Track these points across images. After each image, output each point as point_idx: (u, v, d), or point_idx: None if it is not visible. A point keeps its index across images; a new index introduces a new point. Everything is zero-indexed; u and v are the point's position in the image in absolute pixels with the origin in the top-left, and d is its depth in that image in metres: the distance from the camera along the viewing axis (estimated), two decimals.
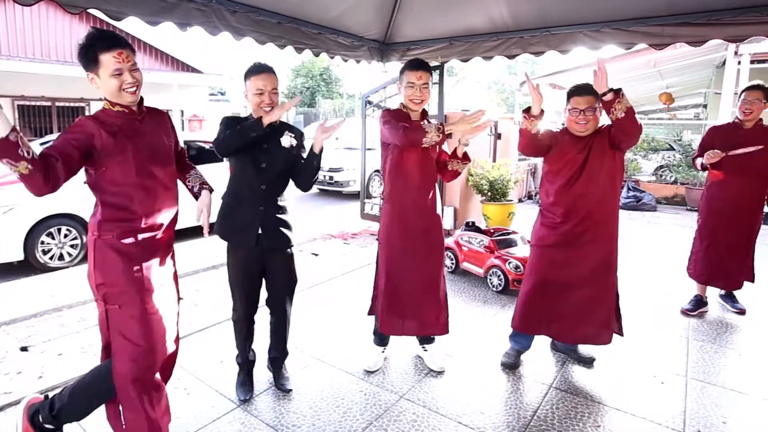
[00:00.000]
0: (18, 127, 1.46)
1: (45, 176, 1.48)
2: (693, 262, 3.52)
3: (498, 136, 7.12)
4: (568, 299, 2.55)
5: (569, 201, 2.48)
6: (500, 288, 3.90)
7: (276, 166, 2.24)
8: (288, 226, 2.34)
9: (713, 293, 3.67)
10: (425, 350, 2.79)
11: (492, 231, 4.41)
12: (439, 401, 2.40)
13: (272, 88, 2.19)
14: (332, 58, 4.58)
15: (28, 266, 4.46)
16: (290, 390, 2.47)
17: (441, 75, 5.46)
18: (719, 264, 3.38)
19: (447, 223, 5.90)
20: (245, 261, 2.30)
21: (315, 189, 10.19)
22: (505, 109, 27.41)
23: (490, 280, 3.99)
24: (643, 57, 7.74)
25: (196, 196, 2.06)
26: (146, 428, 1.75)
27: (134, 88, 1.70)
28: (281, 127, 2.29)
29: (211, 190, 2.08)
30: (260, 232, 2.24)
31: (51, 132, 10.61)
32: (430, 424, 2.22)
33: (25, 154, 1.43)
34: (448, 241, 4.53)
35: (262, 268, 2.33)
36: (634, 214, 7.97)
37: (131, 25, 3.38)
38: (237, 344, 2.45)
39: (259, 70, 2.19)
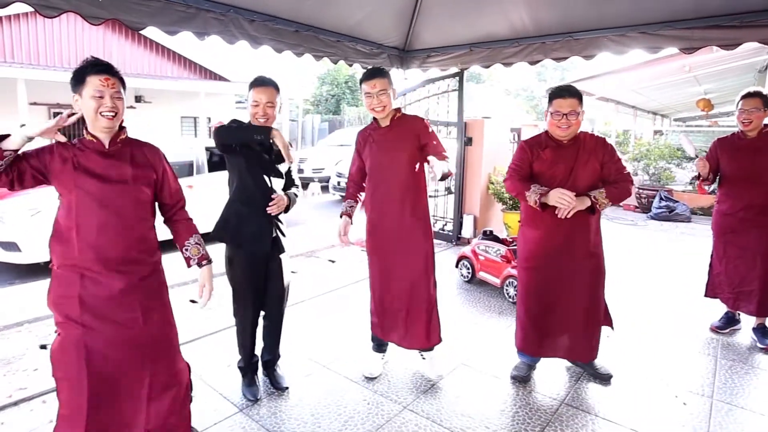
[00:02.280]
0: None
1: (10, 183, 1.63)
2: (718, 285, 3.27)
3: None
4: (560, 320, 2.49)
5: (554, 215, 2.36)
6: (517, 299, 3.79)
7: (280, 176, 2.37)
8: (285, 231, 2.46)
9: (747, 321, 3.37)
10: (423, 358, 2.75)
11: (510, 240, 4.31)
12: (443, 413, 2.33)
13: (267, 101, 2.25)
14: (351, 65, 4.60)
15: None
16: (287, 387, 2.51)
17: (461, 82, 5.41)
18: (741, 287, 3.11)
19: (466, 231, 5.81)
20: (253, 264, 2.34)
21: (337, 196, 10.25)
22: (535, 116, 26.98)
23: (507, 290, 3.89)
24: (676, 62, 7.43)
25: (189, 264, 1.90)
26: None
27: (112, 114, 1.68)
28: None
29: (210, 262, 1.93)
30: (274, 235, 2.33)
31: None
32: None
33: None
34: (465, 250, 4.46)
35: (265, 272, 2.39)
36: (666, 224, 7.65)
37: (158, 35, 3.50)
38: (241, 348, 2.47)
39: (259, 83, 2.27)
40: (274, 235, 2.37)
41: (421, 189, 2.57)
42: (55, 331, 1.73)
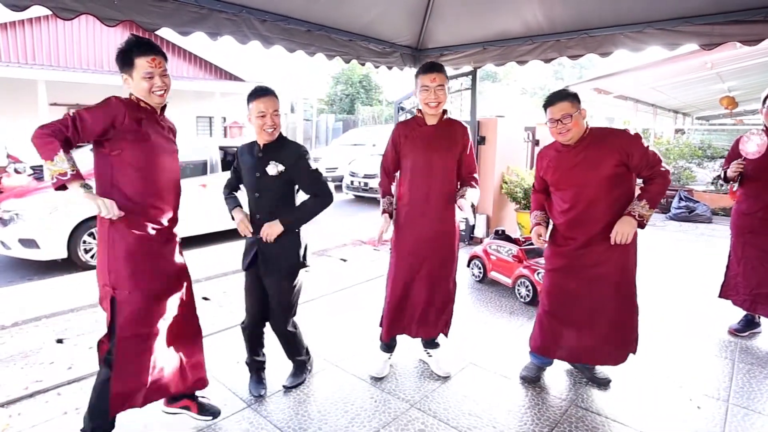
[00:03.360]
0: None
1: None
2: (733, 287, 3.20)
3: (536, 143, 6.91)
4: (581, 323, 2.42)
5: (571, 219, 2.34)
6: (528, 299, 3.75)
7: (269, 194, 2.27)
8: (287, 253, 2.32)
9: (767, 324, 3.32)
10: (430, 356, 2.74)
11: (522, 240, 4.26)
12: (450, 412, 2.32)
13: (273, 110, 2.23)
14: (363, 65, 4.60)
15: (71, 264, 4.75)
16: (288, 387, 2.51)
17: (474, 80, 5.37)
18: (759, 288, 3.02)
19: (479, 231, 5.77)
20: (249, 280, 2.43)
21: (350, 195, 10.29)
22: None
23: (518, 290, 3.85)
24: (697, 59, 7.24)
25: None
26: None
27: (162, 92, 1.86)
28: (277, 150, 2.27)
29: None
30: (258, 258, 2.32)
31: None
32: None
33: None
34: (477, 250, 4.43)
35: (262, 286, 2.41)
36: (686, 225, 7.49)
37: (173, 35, 3.56)
38: (246, 348, 2.53)
39: (260, 93, 2.23)
40: (258, 257, 2.32)
41: (455, 191, 2.56)
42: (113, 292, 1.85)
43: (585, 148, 2.30)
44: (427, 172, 2.46)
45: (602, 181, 2.27)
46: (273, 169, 2.23)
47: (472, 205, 2.40)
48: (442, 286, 2.58)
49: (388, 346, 2.73)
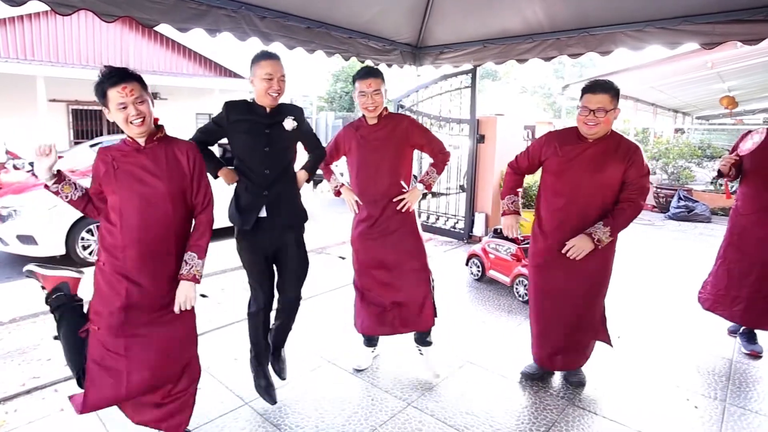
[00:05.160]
0: (63, 174, 1.78)
1: (84, 209, 1.85)
2: (703, 284, 3.17)
3: None
4: (562, 328, 2.42)
5: (561, 213, 2.33)
6: (527, 298, 3.75)
7: (279, 150, 2.23)
8: (298, 204, 2.32)
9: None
10: (421, 354, 2.72)
11: (521, 239, 4.25)
12: (447, 411, 2.32)
13: (281, 75, 2.17)
14: (362, 62, 4.59)
15: (69, 260, 4.72)
16: (285, 378, 2.44)
17: (473, 78, 5.36)
18: (727, 291, 2.96)
19: (478, 229, 5.77)
20: (252, 241, 2.23)
21: None
22: (552, 113, 26.62)
23: (516, 289, 3.85)
24: (698, 58, 7.22)
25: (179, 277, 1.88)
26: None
27: (140, 120, 1.73)
28: (283, 111, 2.26)
29: (195, 281, 1.86)
30: (264, 215, 2.20)
31: (101, 134, 11.65)
32: None
33: (65, 198, 1.80)
34: (475, 248, 4.42)
35: (273, 252, 2.27)
36: (685, 225, 7.49)
37: (172, 31, 3.57)
38: (252, 338, 2.35)
39: (268, 56, 2.17)
40: (266, 213, 2.21)
41: (401, 185, 2.56)
42: (87, 328, 1.88)
43: (601, 148, 2.26)
44: (372, 168, 2.52)
45: (605, 185, 2.27)
46: (289, 124, 2.23)
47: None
48: (413, 279, 2.54)
49: (370, 340, 2.74)
